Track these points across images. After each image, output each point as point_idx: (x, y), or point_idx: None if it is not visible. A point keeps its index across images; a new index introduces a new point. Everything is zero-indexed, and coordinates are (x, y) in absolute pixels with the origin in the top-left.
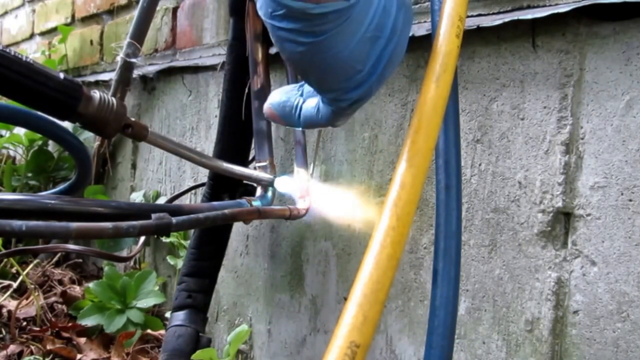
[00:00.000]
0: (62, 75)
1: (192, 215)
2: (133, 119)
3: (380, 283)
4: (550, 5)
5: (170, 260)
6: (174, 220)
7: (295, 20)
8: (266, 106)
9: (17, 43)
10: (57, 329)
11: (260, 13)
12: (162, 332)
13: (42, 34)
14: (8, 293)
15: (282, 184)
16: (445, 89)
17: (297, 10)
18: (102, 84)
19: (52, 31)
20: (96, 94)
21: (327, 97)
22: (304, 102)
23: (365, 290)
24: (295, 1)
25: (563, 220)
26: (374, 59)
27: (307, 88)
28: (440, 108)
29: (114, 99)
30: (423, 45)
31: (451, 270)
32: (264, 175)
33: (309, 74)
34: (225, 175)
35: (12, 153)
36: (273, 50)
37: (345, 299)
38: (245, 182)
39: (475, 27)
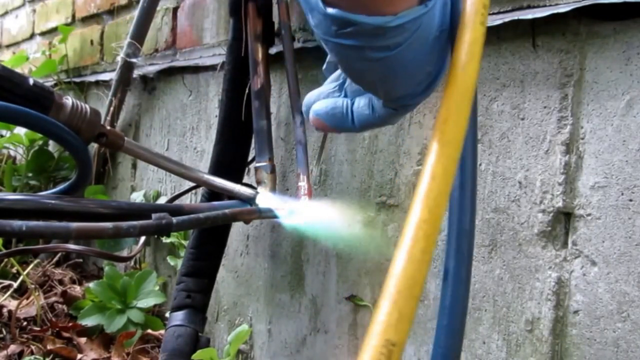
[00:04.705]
0: (32, 81)
1: (192, 215)
2: (109, 128)
3: (415, 278)
4: (550, 5)
5: (170, 260)
6: (175, 220)
7: (366, 36)
8: (312, 117)
9: (17, 43)
10: (57, 329)
11: (318, 32)
12: (163, 332)
13: (43, 34)
14: (8, 293)
15: (265, 200)
16: (472, 78)
17: (371, 26)
18: (102, 84)
19: (52, 31)
20: (69, 101)
21: (393, 104)
22: (352, 103)
23: (400, 286)
24: (370, 17)
25: (563, 220)
26: (440, 55)
27: (351, 86)
28: (469, 97)
29: (87, 107)
30: None
31: (462, 270)
32: (246, 190)
33: (377, 87)
34: (226, 174)
35: (12, 153)
36: (273, 51)
37: (346, 298)
38: (245, 181)
39: None
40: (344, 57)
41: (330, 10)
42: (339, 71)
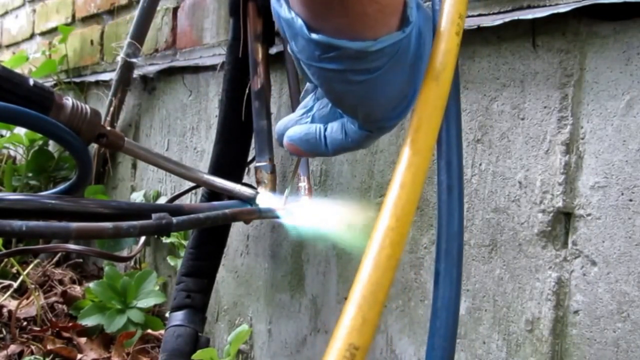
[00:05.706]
0: (32, 82)
1: (192, 215)
2: (109, 128)
3: (380, 284)
4: (550, 5)
5: (170, 260)
6: (175, 220)
7: (348, 60)
8: (287, 143)
9: (17, 43)
10: (57, 329)
11: (301, 56)
12: (163, 332)
13: (43, 34)
14: (8, 293)
15: (265, 200)
16: (445, 87)
17: (354, 51)
18: (102, 84)
19: (52, 31)
20: (69, 101)
21: (370, 126)
22: (325, 128)
23: (364, 292)
24: (353, 41)
25: (563, 220)
26: (416, 80)
27: (319, 112)
28: (440, 106)
29: (88, 107)
30: None
31: (453, 271)
32: (246, 190)
33: (357, 109)
34: (226, 174)
35: (12, 153)
36: (273, 51)
37: (347, 298)
38: (245, 181)
39: (475, 27)
40: (326, 80)
41: (314, 35)
42: (307, 99)
